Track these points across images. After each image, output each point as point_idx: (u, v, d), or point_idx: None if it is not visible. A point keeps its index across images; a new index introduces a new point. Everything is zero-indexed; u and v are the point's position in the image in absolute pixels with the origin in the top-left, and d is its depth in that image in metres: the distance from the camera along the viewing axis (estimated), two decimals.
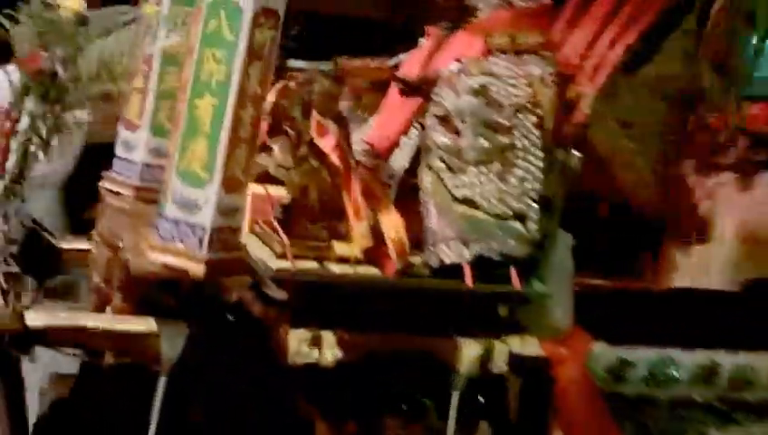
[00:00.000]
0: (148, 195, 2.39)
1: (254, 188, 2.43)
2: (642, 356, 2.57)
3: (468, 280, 2.33)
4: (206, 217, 2.10)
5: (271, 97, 2.30)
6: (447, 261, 2.37)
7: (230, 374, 2.30)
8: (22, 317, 2.18)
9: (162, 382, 2.18)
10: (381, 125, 2.56)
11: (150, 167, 2.46)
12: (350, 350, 2.28)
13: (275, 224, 2.36)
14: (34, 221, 2.55)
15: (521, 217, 2.43)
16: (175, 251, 2.11)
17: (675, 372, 2.56)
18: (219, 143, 2.09)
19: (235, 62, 2.07)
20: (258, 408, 2.35)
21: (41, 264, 2.49)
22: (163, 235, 2.13)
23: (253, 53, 2.09)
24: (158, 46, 2.43)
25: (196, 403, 2.32)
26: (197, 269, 2.09)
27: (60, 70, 2.44)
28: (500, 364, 2.36)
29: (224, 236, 2.12)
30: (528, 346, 2.39)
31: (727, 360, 2.62)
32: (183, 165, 2.12)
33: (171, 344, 2.20)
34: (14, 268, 2.36)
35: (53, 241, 2.63)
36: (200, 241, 2.10)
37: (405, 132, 2.54)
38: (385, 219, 2.35)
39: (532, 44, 2.50)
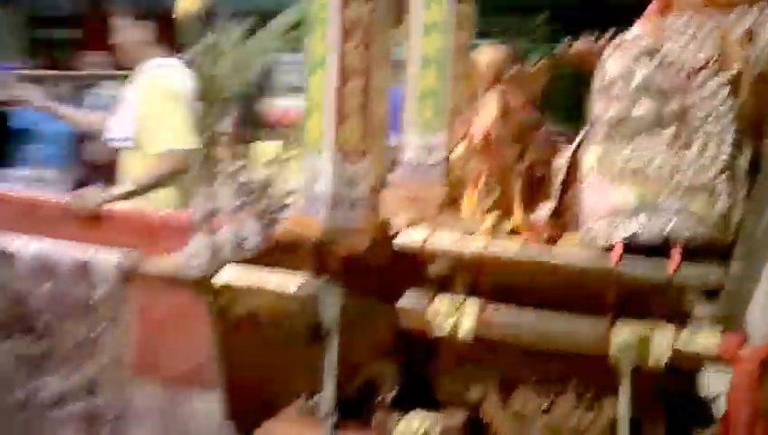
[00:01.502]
0: None
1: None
2: None
3: (614, 260, 2.09)
4: (324, 185, 2.22)
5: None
6: (600, 242, 2.14)
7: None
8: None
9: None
10: None
11: None
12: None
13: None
14: None
15: (702, 192, 2.08)
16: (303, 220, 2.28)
17: None
18: (327, 116, 2.18)
19: (330, 40, 2.13)
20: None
21: None
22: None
23: (346, 30, 2.12)
24: None
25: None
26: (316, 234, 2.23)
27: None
28: (657, 356, 2.09)
29: (343, 204, 2.23)
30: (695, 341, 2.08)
31: None
32: (308, 139, 2.25)
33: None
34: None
35: None
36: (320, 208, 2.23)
37: None
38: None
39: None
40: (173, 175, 3.81)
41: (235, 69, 2.37)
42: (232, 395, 2.59)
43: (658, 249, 2.11)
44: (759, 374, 2.02)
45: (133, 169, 4.04)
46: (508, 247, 2.23)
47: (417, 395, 2.42)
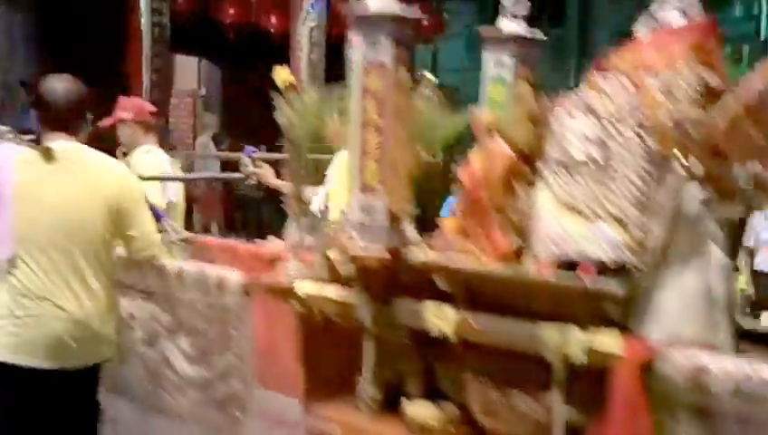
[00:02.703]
0: None
1: None
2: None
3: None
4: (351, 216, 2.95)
5: None
6: (542, 261, 2.65)
7: None
8: None
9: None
10: None
11: None
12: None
13: None
14: None
15: (618, 222, 2.54)
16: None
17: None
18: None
19: (354, 101, 2.88)
20: None
21: None
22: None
23: (366, 92, 2.86)
24: None
25: None
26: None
27: None
28: (578, 354, 2.55)
29: (366, 230, 2.91)
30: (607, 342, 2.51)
31: None
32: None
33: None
34: None
35: None
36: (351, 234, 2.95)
37: None
38: None
39: (652, 64, 2.57)
40: None
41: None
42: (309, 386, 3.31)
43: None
44: (640, 373, 2.41)
45: None
46: (493, 267, 2.80)
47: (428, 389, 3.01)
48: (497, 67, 3.38)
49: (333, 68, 4.27)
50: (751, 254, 7.15)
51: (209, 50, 13.20)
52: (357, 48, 2.88)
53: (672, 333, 2.50)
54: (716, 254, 2.60)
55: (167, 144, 10.07)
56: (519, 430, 2.77)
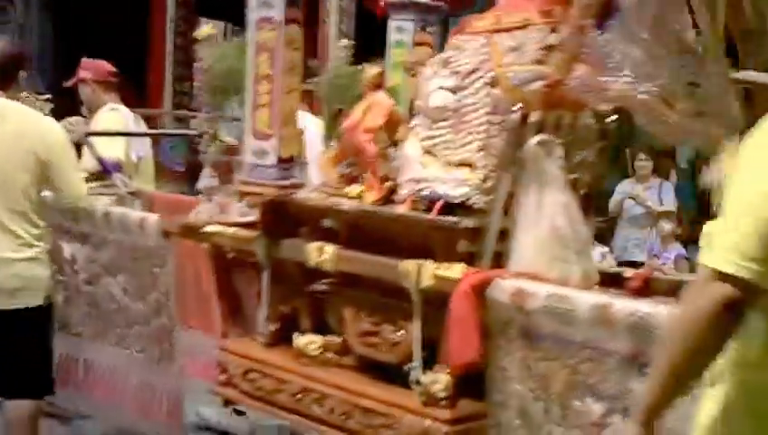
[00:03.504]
0: None
1: None
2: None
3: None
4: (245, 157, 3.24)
5: None
6: (404, 198, 2.94)
7: None
8: None
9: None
10: None
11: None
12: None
13: None
14: None
15: (468, 165, 2.83)
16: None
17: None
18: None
19: (249, 55, 3.17)
20: None
21: None
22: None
23: (259, 47, 3.15)
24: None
25: None
26: None
27: None
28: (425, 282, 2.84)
29: (257, 170, 3.21)
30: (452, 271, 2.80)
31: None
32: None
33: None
34: None
35: None
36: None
37: None
38: None
39: (505, 25, 2.86)
40: None
41: None
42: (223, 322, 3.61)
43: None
44: (472, 295, 2.69)
45: None
46: (366, 207, 3.09)
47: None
48: (398, 33, 3.68)
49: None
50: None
51: (234, 15, 13.38)
52: (250, 5, 3.18)
53: (526, 268, 2.77)
54: (560, 195, 2.86)
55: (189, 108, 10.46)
56: (389, 355, 3.07)
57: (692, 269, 6.23)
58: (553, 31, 2.81)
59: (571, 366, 2.51)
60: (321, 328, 3.32)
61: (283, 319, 3.41)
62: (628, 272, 3.14)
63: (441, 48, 3.20)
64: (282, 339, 3.40)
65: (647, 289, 2.95)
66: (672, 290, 2.77)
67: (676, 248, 7.74)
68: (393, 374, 3.05)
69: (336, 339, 3.23)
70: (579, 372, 2.50)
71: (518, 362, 2.64)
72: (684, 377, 1.85)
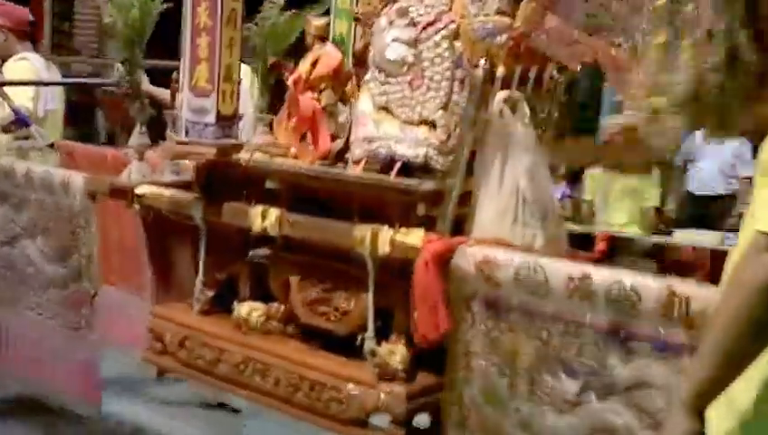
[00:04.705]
0: None
1: None
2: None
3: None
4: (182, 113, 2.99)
5: None
6: (357, 159, 2.74)
7: None
8: None
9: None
10: None
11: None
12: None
13: None
14: None
15: (427, 124, 2.64)
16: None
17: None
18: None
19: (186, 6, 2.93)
20: None
21: None
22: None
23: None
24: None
25: None
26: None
27: None
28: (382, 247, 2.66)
29: (195, 129, 2.97)
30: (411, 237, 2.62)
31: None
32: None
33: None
34: None
35: None
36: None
37: None
38: None
39: None
40: None
41: None
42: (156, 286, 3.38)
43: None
44: (435, 265, 2.52)
45: None
46: (312, 167, 2.88)
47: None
48: None
49: None
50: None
51: None
52: None
53: (489, 234, 2.61)
54: (526, 155, 2.70)
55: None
56: (339, 325, 2.89)
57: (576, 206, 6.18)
58: None
59: (542, 339, 2.36)
60: (260, 296, 3.12)
61: (219, 285, 3.21)
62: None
63: None
64: (217, 306, 3.21)
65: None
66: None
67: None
68: (340, 345, 2.87)
69: (279, 307, 3.04)
70: (550, 345, 2.35)
71: (482, 336, 2.48)
72: (738, 357, 1.68)
